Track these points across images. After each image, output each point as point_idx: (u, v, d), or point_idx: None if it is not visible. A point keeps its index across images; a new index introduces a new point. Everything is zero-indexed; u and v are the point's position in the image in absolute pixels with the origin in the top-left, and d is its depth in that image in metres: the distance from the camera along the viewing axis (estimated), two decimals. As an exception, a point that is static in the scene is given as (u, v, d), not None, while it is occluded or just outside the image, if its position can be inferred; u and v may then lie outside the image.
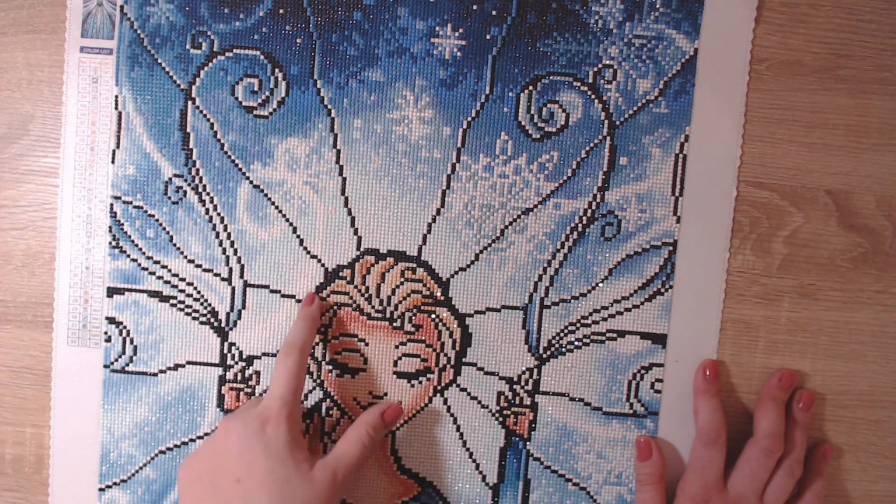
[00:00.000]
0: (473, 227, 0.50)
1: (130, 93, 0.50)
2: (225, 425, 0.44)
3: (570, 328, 0.50)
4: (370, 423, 0.46)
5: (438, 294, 0.50)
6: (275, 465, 0.41)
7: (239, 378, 0.51)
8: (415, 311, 0.50)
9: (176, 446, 0.51)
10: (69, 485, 0.51)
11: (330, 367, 0.51)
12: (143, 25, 0.49)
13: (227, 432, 0.43)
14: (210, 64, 0.49)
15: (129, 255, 0.50)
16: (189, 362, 0.51)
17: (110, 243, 0.50)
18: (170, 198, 0.50)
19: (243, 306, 0.51)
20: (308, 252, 0.50)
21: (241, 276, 0.50)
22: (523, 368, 0.50)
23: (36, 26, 0.50)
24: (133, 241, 0.50)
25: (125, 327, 0.51)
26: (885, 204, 0.50)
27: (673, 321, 0.50)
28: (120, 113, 0.50)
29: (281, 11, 0.49)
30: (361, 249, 0.50)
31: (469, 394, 0.51)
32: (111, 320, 0.51)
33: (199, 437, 0.51)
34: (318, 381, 0.51)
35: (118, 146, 0.50)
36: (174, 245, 0.50)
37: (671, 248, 0.50)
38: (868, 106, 0.49)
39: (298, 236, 0.50)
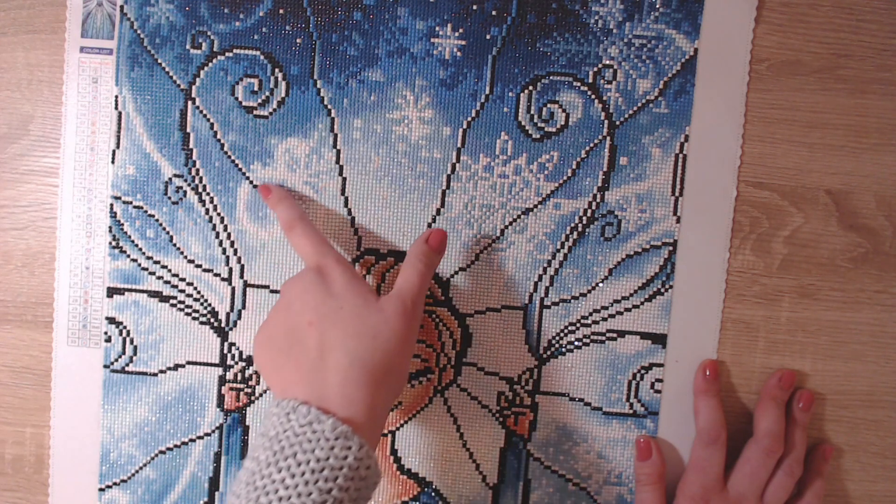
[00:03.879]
0: (473, 227, 0.50)
1: (130, 93, 0.50)
2: (284, 288, 0.44)
3: (570, 328, 0.50)
4: (420, 251, 0.46)
5: (438, 294, 0.50)
6: (342, 302, 0.42)
7: (239, 378, 0.51)
8: (415, 311, 0.50)
9: (176, 446, 0.51)
10: (69, 485, 0.51)
11: (330, 367, 0.51)
12: (143, 25, 0.49)
13: (288, 291, 0.43)
14: (210, 64, 0.49)
15: (129, 255, 0.50)
16: (189, 362, 0.51)
17: (110, 243, 0.50)
18: (170, 198, 0.50)
19: (243, 306, 0.51)
20: (308, 252, 0.50)
21: (241, 276, 0.50)
22: (523, 368, 0.50)
23: (36, 26, 0.50)
24: (133, 241, 0.50)
25: (125, 327, 0.51)
26: (885, 204, 0.50)
27: (673, 321, 0.50)
28: (120, 113, 0.50)
29: (281, 11, 0.49)
30: (361, 249, 0.50)
31: (469, 394, 0.51)
32: (111, 320, 0.51)
33: (199, 437, 0.51)
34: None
35: (118, 146, 0.50)
36: (174, 245, 0.50)
37: (671, 248, 0.50)
38: (868, 106, 0.49)
39: (298, 236, 0.50)
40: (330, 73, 0.49)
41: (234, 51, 0.49)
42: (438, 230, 0.47)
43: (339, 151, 0.50)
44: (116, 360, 0.51)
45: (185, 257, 0.50)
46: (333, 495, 0.37)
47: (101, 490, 0.51)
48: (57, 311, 0.51)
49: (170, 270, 0.50)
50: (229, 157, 0.50)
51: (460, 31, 0.49)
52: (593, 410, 0.51)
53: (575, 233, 0.50)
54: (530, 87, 0.49)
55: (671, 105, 0.49)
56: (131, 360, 0.51)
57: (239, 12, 0.49)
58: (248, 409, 0.51)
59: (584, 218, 0.50)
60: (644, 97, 0.49)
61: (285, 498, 0.36)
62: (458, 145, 0.50)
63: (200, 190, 0.50)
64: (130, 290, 0.51)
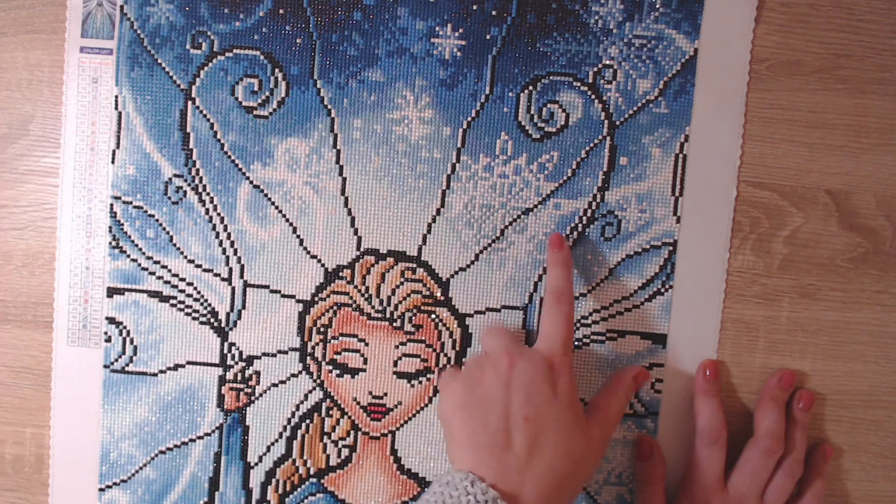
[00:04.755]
0: (473, 227, 0.50)
1: (130, 93, 0.50)
2: (509, 359, 0.43)
3: (570, 328, 0.50)
4: (626, 386, 0.47)
5: (438, 294, 0.50)
6: (562, 414, 0.41)
7: (239, 378, 0.51)
8: (415, 311, 0.50)
9: (176, 446, 0.51)
10: (69, 485, 0.51)
11: (330, 368, 0.51)
12: (143, 25, 0.49)
13: (514, 367, 0.42)
14: (210, 64, 0.49)
15: (129, 255, 0.50)
16: (189, 362, 0.51)
17: (110, 243, 0.50)
18: (170, 198, 0.50)
19: (243, 306, 0.51)
20: (308, 252, 0.50)
21: (241, 276, 0.50)
22: (523, 368, 0.50)
23: (36, 26, 0.50)
24: (133, 241, 0.50)
25: (125, 327, 0.51)
26: (885, 204, 0.50)
27: (673, 321, 0.50)
28: (120, 113, 0.50)
29: (281, 11, 0.49)
30: (361, 249, 0.50)
31: (469, 394, 0.51)
32: (111, 320, 0.51)
33: (199, 437, 0.51)
34: (318, 381, 0.51)
35: (118, 146, 0.50)
36: (174, 245, 0.50)
37: (671, 248, 0.50)
38: (868, 106, 0.49)
39: (298, 236, 0.50)
40: (330, 73, 0.49)
41: (234, 51, 0.49)
42: (645, 371, 0.47)
43: (339, 151, 0.50)
44: (116, 360, 0.51)
45: (185, 257, 0.50)
46: None
47: (101, 490, 0.51)
48: (57, 311, 0.51)
49: (170, 270, 0.50)
50: (229, 157, 0.50)
51: (460, 31, 0.49)
52: (593, 410, 0.51)
53: (575, 233, 0.50)
54: (530, 87, 0.49)
55: (671, 105, 0.49)
56: (131, 360, 0.51)
57: (239, 12, 0.49)
58: (248, 409, 0.51)
59: (585, 218, 0.50)
60: (644, 97, 0.49)
61: None
62: (458, 145, 0.50)
63: (200, 190, 0.50)
64: (130, 290, 0.51)
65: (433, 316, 0.50)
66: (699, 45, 0.49)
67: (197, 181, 0.50)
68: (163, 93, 0.50)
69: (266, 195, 0.50)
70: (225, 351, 0.51)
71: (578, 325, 0.50)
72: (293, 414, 0.51)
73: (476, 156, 0.50)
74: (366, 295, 0.50)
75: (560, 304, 0.45)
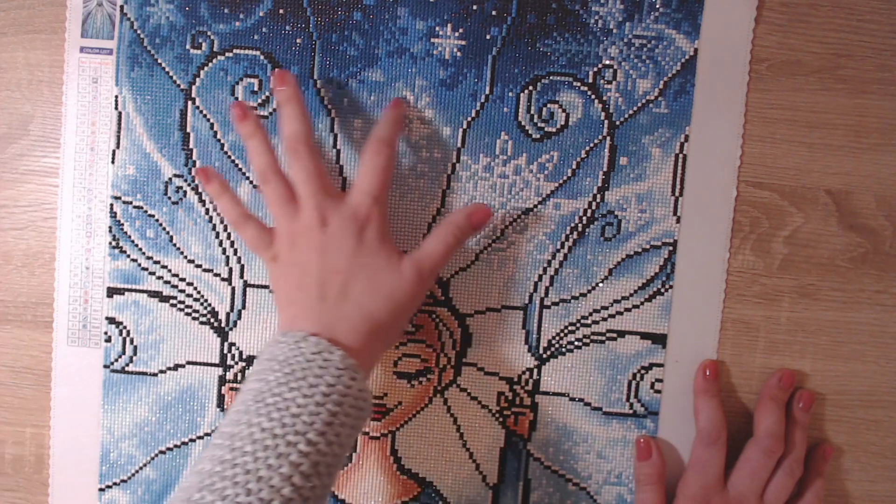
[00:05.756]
0: (473, 227, 0.50)
1: (130, 93, 0.50)
2: (320, 221, 0.44)
3: (570, 328, 0.50)
4: (456, 223, 0.46)
5: (438, 294, 0.50)
6: (369, 259, 0.44)
7: (239, 378, 0.51)
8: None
9: (176, 446, 0.51)
10: (69, 485, 0.51)
11: (330, 367, 0.51)
12: (143, 25, 0.49)
13: (324, 230, 0.44)
14: (210, 64, 0.49)
15: (129, 255, 0.50)
16: (189, 362, 0.51)
17: (110, 243, 0.50)
18: (170, 198, 0.50)
19: (243, 306, 0.51)
20: (308, 252, 0.50)
21: (241, 276, 0.50)
22: (523, 368, 0.50)
23: (36, 26, 0.50)
24: (133, 241, 0.50)
25: (125, 327, 0.51)
26: (885, 204, 0.50)
27: (673, 321, 0.50)
28: (120, 113, 0.50)
29: (281, 11, 0.49)
30: (361, 249, 0.50)
31: (469, 394, 0.51)
32: (111, 320, 0.51)
33: (199, 437, 0.51)
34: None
35: (118, 146, 0.50)
36: (174, 245, 0.50)
37: (671, 248, 0.50)
38: (868, 106, 0.49)
39: (298, 236, 0.50)
40: (330, 73, 0.49)
41: (234, 51, 0.49)
42: (486, 208, 0.47)
43: (339, 151, 0.50)
44: (116, 360, 0.51)
45: (185, 257, 0.50)
46: (339, 419, 0.39)
47: (101, 490, 0.51)
48: (57, 311, 0.51)
49: (170, 270, 0.50)
50: (229, 157, 0.50)
51: (460, 31, 0.49)
52: (593, 410, 0.51)
53: (575, 233, 0.50)
54: (530, 87, 0.49)
55: (671, 105, 0.49)
56: (131, 360, 0.51)
57: (239, 12, 0.49)
58: (248, 409, 0.51)
59: (585, 218, 0.50)
60: (644, 97, 0.49)
61: (297, 415, 0.38)
62: (458, 145, 0.50)
63: (200, 190, 0.50)
64: (130, 290, 0.51)
65: (433, 316, 0.50)
66: (699, 45, 0.49)
67: (197, 181, 0.50)
68: (163, 93, 0.50)
69: (266, 195, 0.50)
70: (225, 351, 0.51)
71: (578, 325, 0.50)
72: (293, 414, 0.51)
73: (476, 156, 0.50)
74: (366, 295, 0.50)
75: (378, 155, 0.45)
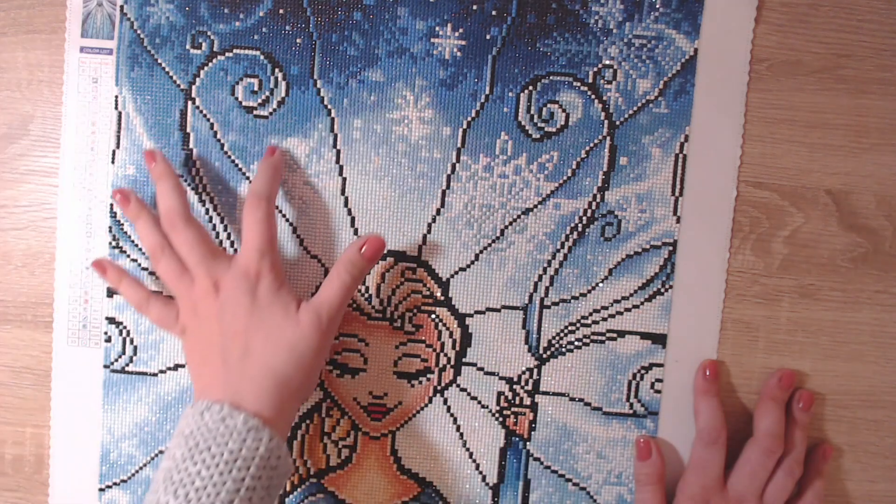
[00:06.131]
0: (473, 227, 0.50)
1: (130, 93, 0.50)
2: (213, 289, 0.45)
3: (570, 328, 0.50)
4: (349, 260, 0.46)
5: (438, 294, 0.50)
6: (265, 314, 0.44)
7: (239, 378, 0.51)
8: (415, 311, 0.50)
9: (176, 446, 0.51)
10: (69, 485, 0.51)
11: (330, 367, 0.51)
12: (143, 25, 0.49)
13: (217, 297, 0.45)
14: (210, 64, 0.49)
15: (129, 255, 0.50)
16: (189, 362, 0.51)
17: (110, 243, 0.50)
18: (170, 198, 0.50)
19: (243, 306, 0.51)
20: (308, 252, 0.50)
21: (241, 276, 0.50)
22: (523, 368, 0.50)
23: (36, 26, 0.50)
24: (133, 241, 0.50)
25: (125, 327, 0.51)
26: (885, 204, 0.50)
27: (673, 321, 0.50)
28: (120, 113, 0.50)
29: (281, 11, 0.49)
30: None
31: (469, 394, 0.51)
32: (111, 320, 0.51)
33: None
34: (318, 381, 0.51)
35: (118, 146, 0.50)
36: (174, 245, 0.50)
37: (671, 248, 0.50)
38: (868, 106, 0.49)
39: (298, 236, 0.50)
40: (330, 73, 0.49)
41: (234, 51, 0.49)
42: (377, 238, 0.47)
43: (339, 151, 0.50)
44: (116, 360, 0.51)
45: (185, 257, 0.50)
46: (246, 484, 0.39)
47: (101, 490, 0.51)
48: (57, 311, 0.51)
49: (170, 270, 0.50)
50: (229, 157, 0.50)
51: (460, 31, 0.49)
52: (593, 410, 0.51)
53: (575, 233, 0.50)
54: (530, 87, 0.49)
55: (671, 105, 0.49)
56: (131, 360, 0.51)
57: (239, 12, 0.49)
58: (248, 409, 0.51)
59: (585, 218, 0.50)
60: (644, 97, 0.49)
61: (201, 488, 0.38)
62: (458, 145, 0.50)
63: (200, 190, 0.50)
64: (130, 290, 0.50)
65: (433, 316, 0.50)
66: (699, 45, 0.49)
67: (197, 181, 0.50)
68: (163, 93, 0.50)
69: (266, 195, 0.50)
70: (225, 351, 0.51)
71: (578, 325, 0.50)
72: (293, 414, 0.51)
73: (476, 156, 0.50)
74: (366, 295, 0.50)
75: (256, 210, 0.45)
